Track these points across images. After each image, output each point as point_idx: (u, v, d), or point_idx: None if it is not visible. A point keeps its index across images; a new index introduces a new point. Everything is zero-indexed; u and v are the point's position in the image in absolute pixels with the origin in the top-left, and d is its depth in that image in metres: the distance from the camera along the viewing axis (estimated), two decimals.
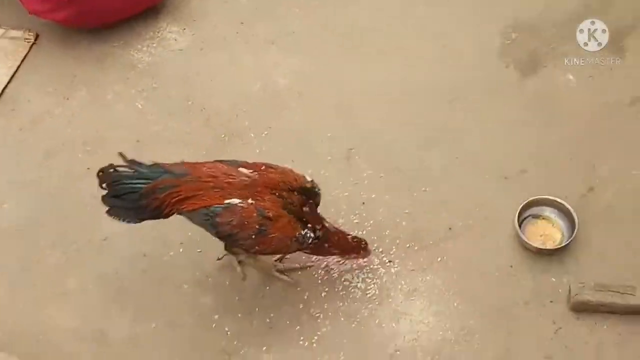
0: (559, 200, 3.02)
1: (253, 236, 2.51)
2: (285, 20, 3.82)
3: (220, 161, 2.64)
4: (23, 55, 3.72)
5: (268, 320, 2.86)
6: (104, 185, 2.58)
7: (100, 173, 2.59)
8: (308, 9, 3.84)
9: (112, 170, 2.58)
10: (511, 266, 2.93)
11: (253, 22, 3.83)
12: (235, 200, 2.50)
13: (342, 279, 2.95)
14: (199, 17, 3.87)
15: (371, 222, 3.08)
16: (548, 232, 3.02)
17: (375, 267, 2.97)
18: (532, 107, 3.41)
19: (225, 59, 3.71)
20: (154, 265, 3.02)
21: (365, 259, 2.88)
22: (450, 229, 3.05)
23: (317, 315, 2.85)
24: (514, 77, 3.54)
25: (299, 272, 2.97)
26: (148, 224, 2.83)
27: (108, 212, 2.61)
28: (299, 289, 2.92)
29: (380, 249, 3.00)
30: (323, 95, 3.54)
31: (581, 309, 2.78)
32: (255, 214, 2.48)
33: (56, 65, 3.71)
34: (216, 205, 2.50)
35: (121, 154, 2.62)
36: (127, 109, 3.55)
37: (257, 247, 2.57)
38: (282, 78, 3.60)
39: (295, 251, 2.66)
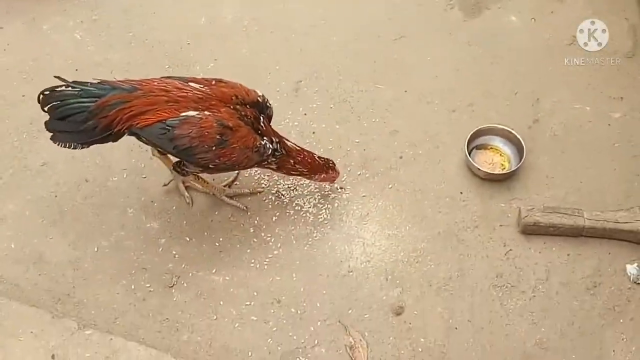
0: (507, 127, 2.99)
1: (213, 147, 2.36)
2: None
3: (168, 77, 2.48)
4: None
5: (217, 244, 2.71)
6: (46, 108, 2.35)
7: (42, 95, 2.36)
8: None
9: (55, 90, 2.36)
10: (461, 192, 2.89)
11: None
12: (192, 112, 2.35)
13: (294, 204, 2.83)
14: None
15: (321, 150, 2.97)
16: (496, 160, 2.99)
17: (326, 193, 2.86)
18: (477, 46, 3.40)
19: None
20: (96, 190, 2.83)
21: (335, 180, 2.78)
22: (400, 157, 2.98)
23: (268, 239, 2.73)
24: (459, 18, 3.52)
25: (249, 198, 2.83)
26: (89, 150, 2.67)
27: (52, 138, 2.38)
28: (249, 214, 2.79)
29: None
30: (271, 30, 3.42)
31: (531, 231, 2.75)
32: (215, 124, 2.34)
33: None
34: (172, 118, 2.33)
35: (59, 77, 2.41)
36: (65, 39, 3.33)
37: (217, 161, 2.41)
38: (229, 12, 3.46)
39: (254, 165, 2.52)
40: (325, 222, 2.79)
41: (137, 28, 3.37)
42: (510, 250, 2.74)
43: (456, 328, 2.54)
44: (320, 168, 2.66)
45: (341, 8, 3.50)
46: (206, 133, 2.34)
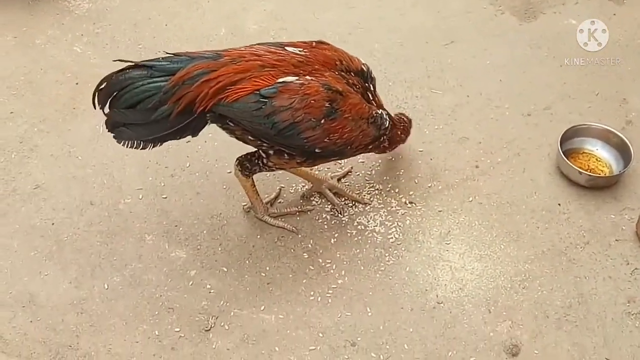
0: (605, 126, 2.37)
1: (322, 120, 1.78)
2: None
3: (259, 44, 1.90)
4: None
5: (263, 274, 2.01)
6: (109, 98, 1.76)
7: (104, 83, 1.76)
8: None
9: (112, 77, 1.76)
10: (559, 204, 2.24)
11: None
12: (291, 78, 1.77)
13: (355, 223, 2.16)
14: None
15: (379, 161, 2.32)
16: (592, 165, 2.36)
17: (393, 209, 2.19)
18: (541, 48, 2.84)
19: (181, 3, 2.94)
20: (104, 215, 2.14)
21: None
22: (476, 166, 2.35)
23: (328, 265, 2.04)
24: (513, 23, 2.96)
25: (298, 217, 2.15)
26: (94, 169, 2.01)
27: (116, 135, 1.78)
28: (300, 236, 2.09)
29: (397, 190, 2.25)
30: (301, 37, 2.80)
31: None
32: (321, 89, 1.76)
33: None
34: (268, 87, 1.73)
35: (121, 60, 1.82)
36: (62, 53, 2.74)
37: (326, 140, 1.81)
38: (252, 23, 2.88)
39: (369, 144, 1.95)
40: (398, 242, 2.10)
41: (147, 41, 2.78)
42: (636, 269, 2.07)
43: None
44: (409, 129, 2.19)
45: (380, 17, 2.94)
46: (312, 101, 1.75)
